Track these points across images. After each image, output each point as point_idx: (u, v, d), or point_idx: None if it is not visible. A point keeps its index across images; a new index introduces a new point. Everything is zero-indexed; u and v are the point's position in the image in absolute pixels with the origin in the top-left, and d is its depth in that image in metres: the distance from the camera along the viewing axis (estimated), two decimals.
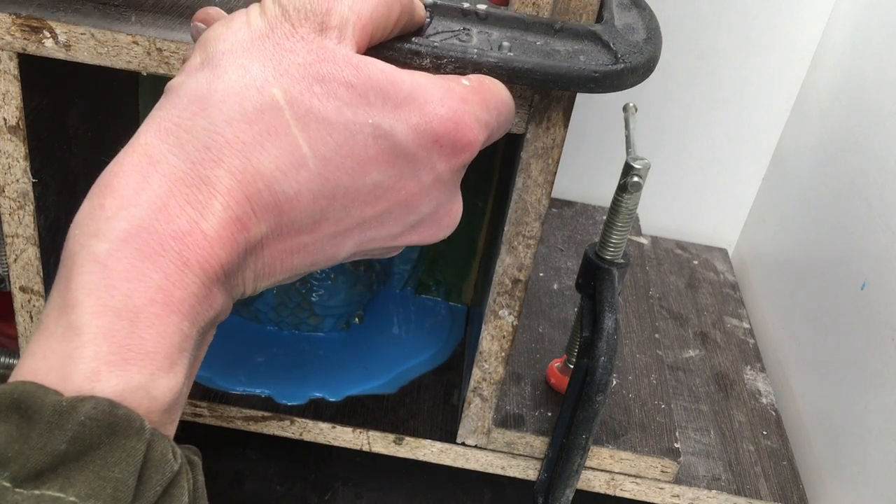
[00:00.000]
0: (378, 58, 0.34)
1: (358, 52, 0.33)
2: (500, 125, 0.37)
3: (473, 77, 0.37)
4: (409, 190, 0.35)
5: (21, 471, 0.26)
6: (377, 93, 0.33)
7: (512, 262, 0.50)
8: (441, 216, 0.38)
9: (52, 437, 0.26)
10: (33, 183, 0.49)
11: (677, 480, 0.60)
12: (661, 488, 0.60)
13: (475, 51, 0.37)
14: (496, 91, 0.37)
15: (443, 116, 0.34)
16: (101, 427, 0.26)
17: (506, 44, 0.38)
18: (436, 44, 0.37)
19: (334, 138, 0.32)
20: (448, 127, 0.34)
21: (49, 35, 0.43)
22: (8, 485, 0.26)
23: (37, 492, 0.26)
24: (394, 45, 0.37)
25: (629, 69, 0.38)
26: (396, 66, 0.34)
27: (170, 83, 0.33)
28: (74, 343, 0.28)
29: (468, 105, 0.35)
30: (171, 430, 0.30)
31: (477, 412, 0.57)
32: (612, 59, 0.38)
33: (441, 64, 0.37)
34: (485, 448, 0.59)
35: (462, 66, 0.37)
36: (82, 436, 0.26)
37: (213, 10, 0.37)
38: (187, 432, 0.35)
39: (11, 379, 0.28)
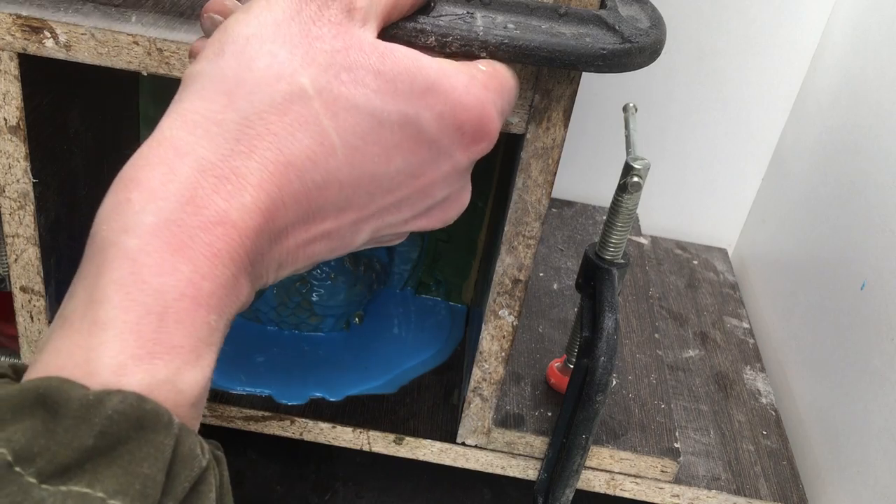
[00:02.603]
0: (384, 36, 0.33)
1: (378, 34, 0.34)
2: (510, 111, 0.38)
3: (486, 62, 0.37)
4: (429, 177, 0.35)
5: (47, 466, 0.25)
6: (404, 80, 0.33)
7: (512, 262, 0.50)
8: (451, 201, 0.38)
9: (79, 432, 0.25)
10: (34, 183, 0.49)
11: (677, 480, 0.60)
12: (660, 488, 0.60)
13: (481, 28, 0.37)
14: (507, 77, 0.37)
15: (467, 105, 0.34)
16: (129, 421, 0.26)
17: (511, 25, 0.38)
18: (441, 22, 0.37)
19: (362, 126, 0.32)
20: (472, 115, 0.34)
21: (49, 35, 0.43)
22: (34, 481, 0.25)
23: (63, 488, 0.25)
24: (399, 24, 0.36)
25: (637, 48, 0.38)
26: (402, 45, 0.33)
27: (189, 71, 0.32)
28: (100, 338, 0.27)
29: (489, 93, 0.35)
30: (197, 425, 0.30)
31: (477, 412, 0.57)
32: (619, 39, 0.38)
33: (446, 42, 0.36)
34: (485, 448, 0.59)
35: (467, 43, 0.37)
36: (110, 430, 0.25)
37: (230, 1, 0.36)
38: None
39: (32, 375, 0.28)
